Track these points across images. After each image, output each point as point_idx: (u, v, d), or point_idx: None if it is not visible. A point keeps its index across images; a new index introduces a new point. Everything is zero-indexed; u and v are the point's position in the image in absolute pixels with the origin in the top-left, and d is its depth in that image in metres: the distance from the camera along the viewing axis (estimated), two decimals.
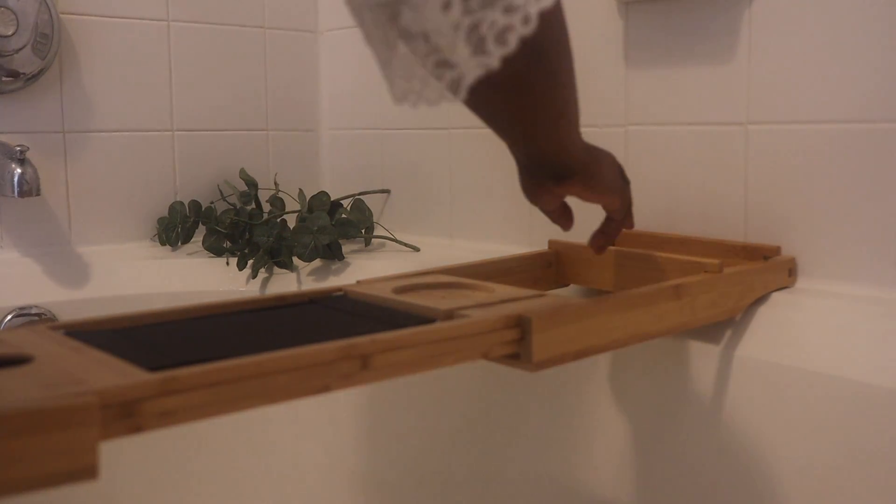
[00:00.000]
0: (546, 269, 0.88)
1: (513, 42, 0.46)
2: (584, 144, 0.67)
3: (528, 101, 0.57)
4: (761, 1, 0.84)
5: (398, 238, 1.20)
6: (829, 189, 0.81)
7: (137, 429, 0.42)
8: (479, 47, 0.46)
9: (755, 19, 0.84)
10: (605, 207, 0.75)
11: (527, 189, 0.69)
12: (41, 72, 1.11)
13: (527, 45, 0.49)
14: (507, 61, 0.47)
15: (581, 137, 0.65)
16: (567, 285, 0.90)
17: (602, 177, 0.70)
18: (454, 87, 0.48)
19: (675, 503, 0.80)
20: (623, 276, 0.83)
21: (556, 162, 0.65)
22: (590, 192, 0.70)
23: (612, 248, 0.87)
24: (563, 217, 0.75)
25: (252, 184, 1.24)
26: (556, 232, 0.87)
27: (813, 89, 0.81)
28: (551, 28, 0.53)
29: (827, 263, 0.81)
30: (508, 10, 0.46)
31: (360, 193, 1.27)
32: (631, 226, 0.81)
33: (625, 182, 0.76)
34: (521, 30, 0.46)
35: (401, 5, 0.46)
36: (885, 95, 0.77)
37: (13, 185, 1.03)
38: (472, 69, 0.47)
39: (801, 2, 0.81)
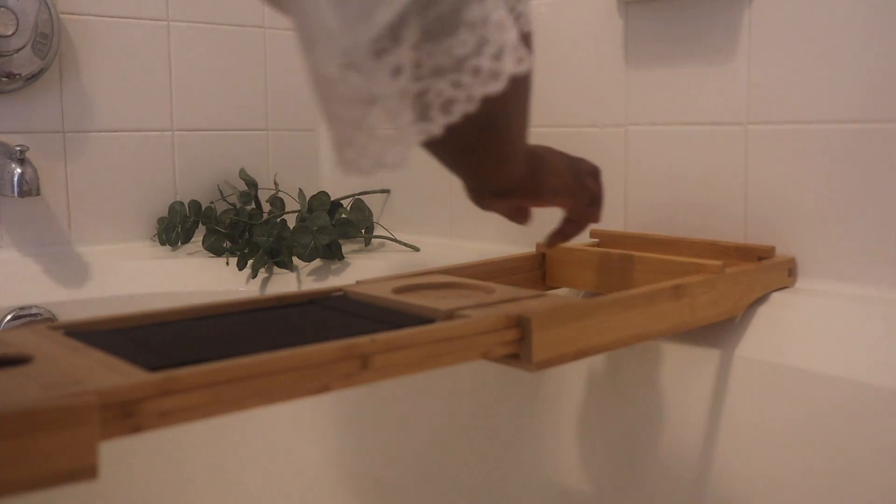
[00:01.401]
0: (534, 271, 0.88)
1: (457, 114, 0.47)
2: (527, 156, 0.65)
3: (490, 144, 0.57)
4: (761, 1, 0.84)
5: (398, 238, 1.20)
6: (828, 189, 0.81)
7: (137, 429, 0.42)
8: (423, 114, 0.47)
9: (755, 19, 0.84)
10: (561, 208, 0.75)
11: (474, 201, 0.70)
12: (41, 72, 1.11)
13: (491, 101, 0.48)
14: (471, 118, 0.47)
15: (524, 149, 0.63)
16: (557, 287, 0.90)
17: (546, 185, 0.70)
18: (400, 152, 0.48)
19: (675, 503, 0.80)
20: (611, 278, 0.83)
21: (497, 184, 0.66)
22: (534, 201, 0.70)
23: (598, 249, 0.87)
24: (518, 215, 0.75)
25: (252, 184, 1.24)
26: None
27: (813, 89, 0.81)
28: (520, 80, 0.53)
29: (827, 263, 0.81)
30: (456, 85, 0.46)
31: (360, 193, 1.27)
32: (597, 219, 0.78)
33: (581, 179, 0.74)
34: (464, 105, 0.47)
35: (350, 70, 0.45)
36: (884, 95, 0.77)
37: (13, 184, 1.03)
38: (413, 134, 0.47)
39: (801, 2, 0.81)
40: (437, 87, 0.46)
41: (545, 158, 0.70)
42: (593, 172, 0.77)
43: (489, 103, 0.47)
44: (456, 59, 0.45)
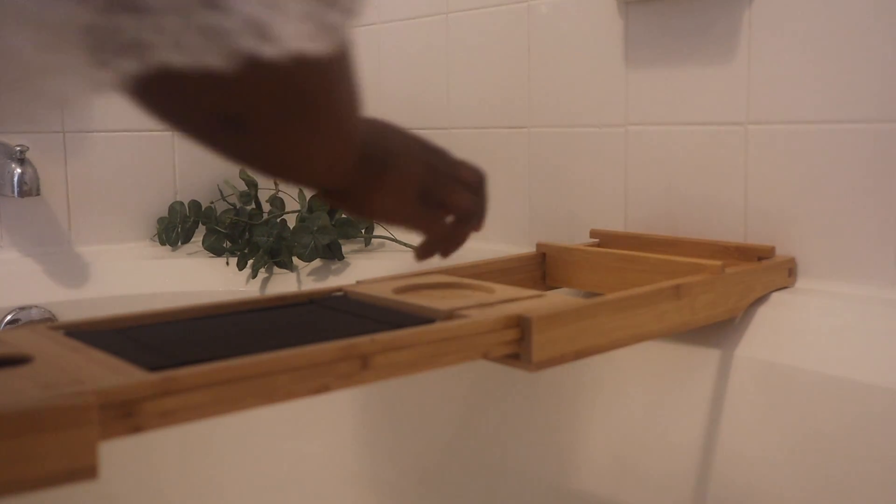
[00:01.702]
0: (534, 271, 0.88)
1: (143, 66, 0.33)
2: (358, 162, 0.53)
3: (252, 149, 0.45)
4: (761, 1, 0.84)
5: (398, 238, 1.20)
6: (828, 189, 0.81)
7: (137, 429, 0.42)
8: (103, 58, 0.33)
9: (755, 19, 0.84)
10: None
11: None
12: None
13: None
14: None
15: (352, 155, 0.51)
16: (557, 287, 0.90)
17: (374, 205, 0.59)
18: (61, 104, 0.34)
19: (675, 503, 0.80)
20: (611, 278, 0.83)
21: (308, 185, 0.56)
22: (359, 217, 0.62)
23: (598, 249, 0.87)
24: None
25: (252, 184, 1.24)
26: (550, 234, 0.88)
27: (813, 89, 0.81)
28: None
29: (827, 263, 0.81)
30: (155, 30, 0.32)
31: None
32: (477, 229, 0.68)
33: (433, 199, 0.63)
34: (148, 62, 0.33)
35: None
36: (885, 95, 0.77)
37: (13, 184, 1.04)
38: (87, 81, 0.33)
39: (801, 2, 0.81)
40: (127, 24, 0.32)
41: (393, 168, 0.59)
42: (474, 181, 0.66)
43: (220, 93, 0.35)
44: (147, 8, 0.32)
